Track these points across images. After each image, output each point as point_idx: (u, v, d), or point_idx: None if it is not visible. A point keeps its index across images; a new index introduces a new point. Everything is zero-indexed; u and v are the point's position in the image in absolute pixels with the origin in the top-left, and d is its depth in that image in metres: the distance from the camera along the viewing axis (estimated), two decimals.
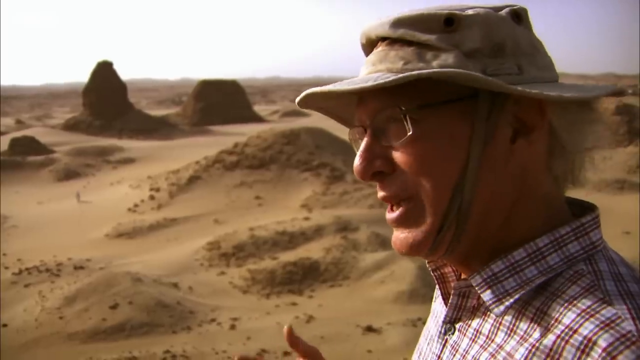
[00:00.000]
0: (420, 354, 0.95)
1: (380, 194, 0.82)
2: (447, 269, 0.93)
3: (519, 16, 0.80)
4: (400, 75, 0.73)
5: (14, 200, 44.07)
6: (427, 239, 0.79)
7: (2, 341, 19.57)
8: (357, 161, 0.80)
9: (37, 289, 24.30)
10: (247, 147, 45.15)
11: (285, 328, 1.03)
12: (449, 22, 0.76)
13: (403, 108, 0.76)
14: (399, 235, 0.81)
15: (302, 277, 24.93)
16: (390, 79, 0.73)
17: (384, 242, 28.04)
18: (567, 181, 0.82)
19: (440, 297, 0.94)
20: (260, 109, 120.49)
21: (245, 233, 30.35)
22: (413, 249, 0.80)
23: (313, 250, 27.23)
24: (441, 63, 0.75)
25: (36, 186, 50.78)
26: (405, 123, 0.76)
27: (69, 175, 54.52)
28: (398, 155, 0.78)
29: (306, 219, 31.82)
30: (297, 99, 0.84)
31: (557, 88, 0.76)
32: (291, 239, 29.29)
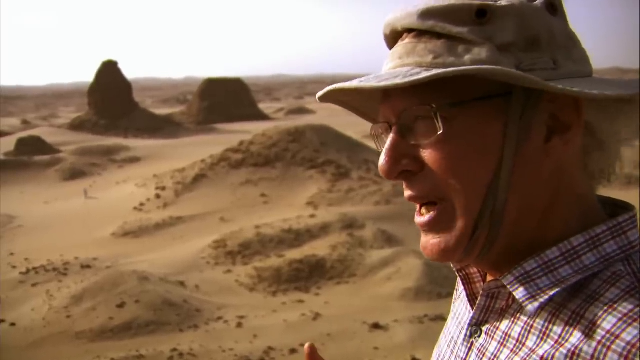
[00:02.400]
0: (441, 356, 0.91)
1: (408, 193, 0.79)
2: (473, 270, 0.89)
3: (554, 6, 0.76)
4: (433, 72, 0.70)
5: (20, 200, 44.24)
6: (460, 244, 0.76)
7: (10, 340, 19.67)
8: (382, 159, 0.77)
9: (45, 288, 24.40)
10: (252, 145, 45.16)
11: (307, 347, 0.97)
12: (481, 13, 0.73)
13: (434, 106, 0.73)
14: (430, 241, 0.78)
15: (309, 275, 24.94)
16: (422, 76, 0.70)
17: (390, 239, 28.02)
18: (603, 178, 0.79)
19: (465, 297, 0.90)
20: (265, 106, 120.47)
21: (251, 231, 30.37)
22: (446, 255, 0.77)
23: (319, 248, 27.23)
24: (474, 58, 0.72)
25: (42, 186, 50.95)
26: (435, 121, 0.73)
27: (75, 174, 54.66)
28: (427, 154, 0.75)
29: (312, 216, 31.82)
30: (320, 94, 0.81)
31: (595, 83, 0.73)
32: (297, 237, 29.30)
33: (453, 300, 1.03)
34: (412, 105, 0.75)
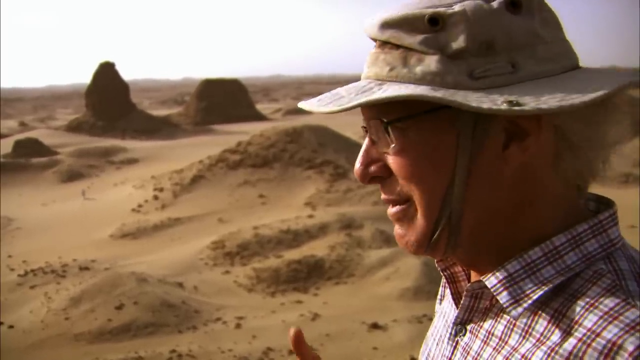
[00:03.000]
0: (429, 355, 0.92)
1: (382, 196, 0.82)
2: (457, 269, 0.90)
3: (515, 4, 0.72)
4: (359, 101, 0.72)
5: (18, 202, 44.19)
6: (419, 242, 0.78)
7: (9, 343, 19.65)
8: (356, 164, 0.80)
9: (43, 290, 24.38)
10: (250, 146, 45.16)
11: (292, 331, 0.97)
12: (433, 21, 0.72)
13: (385, 120, 0.75)
14: (397, 231, 0.81)
15: (307, 275, 24.94)
16: (348, 105, 0.73)
17: (388, 239, 28.04)
18: (584, 179, 0.77)
19: (450, 296, 0.91)
20: (262, 107, 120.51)
21: (249, 232, 30.37)
22: (408, 248, 0.80)
23: (317, 248, 27.24)
24: (424, 69, 0.72)
25: (40, 188, 50.90)
26: (387, 135, 0.75)
27: (72, 176, 54.62)
28: (390, 162, 0.77)
29: (310, 216, 31.82)
30: (299, 104, 0.84)
31: (555, 87, 0.69)
32: (295, 237, 29.30)
33: (438, 299, 1.05)
34: (371, 118, 0.78)
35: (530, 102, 0.67)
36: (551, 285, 0.72)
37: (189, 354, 18.22)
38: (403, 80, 0.73)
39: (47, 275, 26.49)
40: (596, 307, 0.68)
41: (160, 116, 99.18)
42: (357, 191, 36.98)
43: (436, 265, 0.91)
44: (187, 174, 43.60)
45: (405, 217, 0.79)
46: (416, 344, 17.73)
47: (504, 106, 0.67)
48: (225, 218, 35.24)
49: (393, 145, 0.75)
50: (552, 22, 0.75)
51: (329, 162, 41.79)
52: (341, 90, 0.78)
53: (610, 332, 0.65)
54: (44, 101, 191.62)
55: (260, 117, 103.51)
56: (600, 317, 0.67)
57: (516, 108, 0.67)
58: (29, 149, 65.65)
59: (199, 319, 21.21)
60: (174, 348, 18.59)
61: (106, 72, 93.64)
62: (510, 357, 0.73)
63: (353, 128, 66.75)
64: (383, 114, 0.75)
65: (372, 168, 0.79)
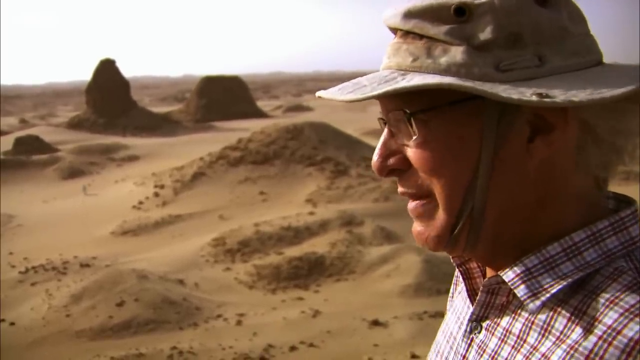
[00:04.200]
0: (439, 353, 0.91)
1: (399, 189, 0.81)
2: (473, 264, 0.89)
3: None
4: (383, 89, 0.71)
5: (19, 199, 44.20)
6: (440, 237, 0.77)
7: (10, 340, 19.66)
8: (374, 157, 0.80)
9: (44, 287, 24.39)
10: (250, 143, 45.13)
11: None
12: (460, 12, 0.71)
13: (407, 111, 0.74)
14: (417, 228, 0.80)
15: (308, 272, 24.95)
16: (374, 93, 0.71)
17: (389, 236, 28.03)
18: (607, 170, 0.77)
19: (465, 293, 0.90)
20: (263, 104, 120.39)
21: (250, 229, 30.37)
22: (428, 244, 0.79)
23: (318, 245, 27.24)
24: (449, 60, 0.71)
25: (41, 185, 50.90)
26: (409, 126, 0.74)
27: (73, 173, 54.62)
28: (411, 155, 0.76)
29: (311, 213, 31.82)
30: (318, 94, 0.83)
31: (584, 81, 0.69)
32: (296, 234, 29.31)
33: (450, 297, 1.03)
34: (392, 109, 0.77)
35: (560, 95, 0.67)
36: (570, 280, 0.71)
37: (190, 351, 18.24)
38: (427, 71, 0.72)
39: (48, 272, 26.51)
40: (617, 304, 0.67)
41: (160, 113, 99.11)
42: (357, 188, 36.97)
43: (452, 260, 0.90)
44: (188, 171, 43.59)
45: (426, 212, 0.78)
46: (417, 341, 17.74)
47: (534, 98, 0.66)
48: (226, 215, 35.25)
49: (415, 137, 0.74)
50: (577, 16, 0.75)
51: (330, 159, 41.76)
52: (362, 80, 0.77)
53: (632, 330, 0.64)
54: (45, 98, 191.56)
55: (260, 114, 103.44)
56: (621, 315, 0.66)
57: (547, 100, 0.66)
58: (30, 146, 65.63)
59: (200, 315, 21.23)
60: (175, 345, 18.61)
61: (107, 69, 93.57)
62: (530, 356, 0.72)
63: (354, 125, 66.69)
64: (405, 105, 0.74)
65: (391, 160, 0.78)
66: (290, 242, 28.67)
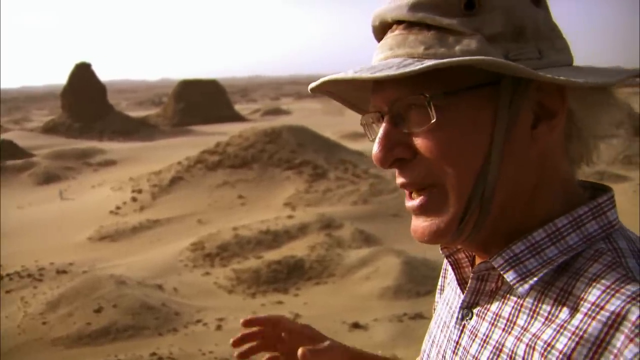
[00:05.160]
0: (434, 341, 0.94)
1: (400, 180, 0.81)
2: (461, 255, 0.92)
3: None
4: (427, 62, 0.72)
5: None
6: (450, 226, 0.78)
7: None
8: (376, 148, 0.79)
9: (19, 295, 24.04)
10: (228, 147, 45.01)
11: (242, 321, 1.04)
12: (469, 5, 0.75)
13: (427, 95, 0.75)
14: (421, 224, 0.80)
15: (287, 276, 24.92)
16: (417, 67, 0.72)
17: (368, 239, 28.11)
18: (582, 163, 0.82)
19: (454, 283, 0.93)
20: (241, 108, 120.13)
21: (229, 233, 30.26)
22: (436, 237, 0.79)
23: (297, 249, 27.23)
24: (463, 48, 0.74)
25: (16, 190, 50.20)
26: (429, 110, 0.75)
27: (49, 178, 53.98)
28: (420, 142, 0.77)
29: (290, 217, 31.80)
30: (313, 85, 0.83)
31: (578, 72, 0.75)
32: (275, 238, 29.26)
33: (438, 289, 1.07)
34: (405, 95, 0.77)
35: (572, 79, 0.72)
36: (555, 264, 0.75)
37: (170, 357, 18.10)
38: (443, 58, 0.73)
39: (23, 280, 26.13)
40: (599, 283, 0.71)
41: (137, 117, 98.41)
42: (336, 191, 37.04)
43: (441, 252, 0.92)
44: (166, 176, 43.32)
45: (434, 204, 0.78)
46: (397, 343, 17.81)
47: (563, 77, 0.71)
48: (205, 219, 35.08)
49: (433, 120, 0.75)
50: (555, 22, 0.81)
51: (308, 162, 41.80)
52: (377, 66, 0.77)
53: (613, 305, 0.68)
54: (18, 102, 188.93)
55: (238, 118, 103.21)
56: (603, 292, 0.70)
57: (573, 79, 0.71)
58: (4, 151, 64.66)
59: (179, 321, 21.09)
60: (155, 351, 18.46)
61: (82, 73, 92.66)
62: (521, 337, 0.75)
63: (332, 128, 66.81)
64: (419, 91, 0.75)
65: (396, 150, 0.78)
66: (269, 245, 28.62)
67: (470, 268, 0.90)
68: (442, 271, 1.05)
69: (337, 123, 77.19)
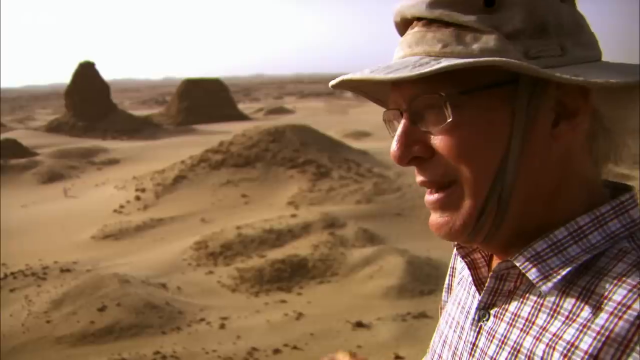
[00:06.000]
0: (445, 342, 0.93)
1: (419, 178, 0.80)
2: (477, 255, 0.91)
3: None
4: (442, 63, 0.71)
5: None
6: (466, 225, 0.78)
7: None
8: (394, 146, 0.79)
9: (23, 294, 24.09)
10: (232, 146, 45.02)
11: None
12: (489, 2, 0.74)
13: (443, 94, 0.74)
14: (438, 219, 0.80)
15: (291, 275, 24.93)
16: (429, 68, 0.71)
17: (371, 238, 28.10)
18: (608, 162, 0.81)
19: (466, 283, 0.93)
20: (244, 107, 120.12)
21: (232, 232, 30.27)
22: (452, 234, 0.79)
23: (301, 248, 27.23)
24: (482, 46, 0.73)
25: (19, 189, 50.29)
26: (445, 109, 0.75)
27: (52, 177, 54.06)
28: (437, 141, 0.76)
29: (293, 216, 31.80)
30: (333, 82, 0.82)
31: (602, 70, 0.74)
32: (279, 237, 29.26)
33: (445, 288, 1.06)
34: (421, 93, 0.77)
35: (593, 79, 0.71)
36: (578, 263, 0.74)
37: (173, 355, 18.12)
38: (459, 57, 0.73)
39: (27, 278, 26.19)
40: (624, 282, 0.70)
41: (141, 116, 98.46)
42: (339, 190, 37.02)
43: (456, 251, 0.92)
44: (169, 174, 43.35)
45: (451, 201, 0.78)
46: (401, 342, 17.80)
47: (581, 78, 0.70)
48: (208, 218, 35.10)
49: (449, 120, 0.74)
50: (582, 15, 0.80)
51: (312, 161, 41.79)
52: (393, 65, 0.76)
53: None
54: (22, 101, 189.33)
55: (242, 117, 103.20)
56: (630, 291, 0.69)
57: (593, 79, 0.70)
58: (8, 150, 64.78)
59: (183, 319, 21.11)
60: (158, 349, 18.48)
61: (86, 72, 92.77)
62: (540, 337, 0.74)
63: (335, 127, 66.76)
64: (436, 90, 0.75)
65: (415, 148, 0.78)
66: (272, 244, 28.62)
67: (487, 269, 0.90)
68: (450, 269, 1.04)
69: (340, 122, 77.14)
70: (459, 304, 0.94)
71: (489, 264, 0.90)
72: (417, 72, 0.71)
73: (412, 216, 31.60)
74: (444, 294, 1.06)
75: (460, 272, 1.00)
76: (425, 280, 21.77)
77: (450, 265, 1.05)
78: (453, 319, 0.93)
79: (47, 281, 25.50)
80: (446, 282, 1.06)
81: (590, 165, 0.79)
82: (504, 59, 0.71)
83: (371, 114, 74.88)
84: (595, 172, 0.80)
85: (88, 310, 21.40)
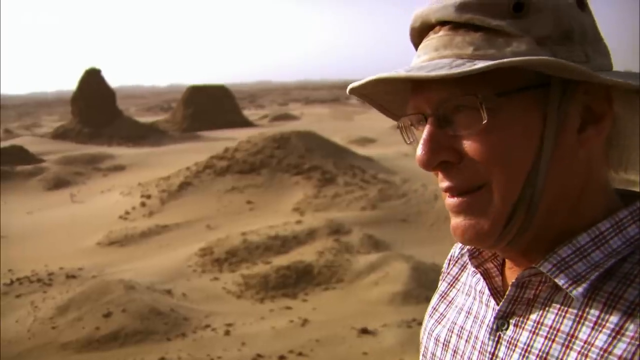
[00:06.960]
0: (456, 352, 0.91)
1: (445, 184, 0.79)
2: (490, 265, 0.90)
3: (582, 2, 0.79)
4: (484, 63, 0.71)
5: (3, 211, 43.72)
6: (494, 228, 0.77)
7: None
8: (420, 151, 0.77)
9: (29, 299, 24.13)
10: (237, 152, 45.07)
11: None
12: (518, 7, 0.75)
13: (479, 96, 0.74)
14: (463, 223, 0.78)
15: (296, 281, 24.90)
16: (477, 66, 0.70)
17: (376, 244, 28.05)
18: (620, 168, 0.82)
19: (475, 292, 0.91)
20: (249, 113, 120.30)
21: (237, 238, 30.27)
22: (479, 239, 0.78)
23: (306, 254, 27.19)
24: (514, 50, 0.73)
25: (26, 196, 50.46)
26: (481, 111, 0.74)
27: (58, 184, 54.21)
28: (469, 145, 0.75)
29: (298, 222, 31.78)
30: (355, 84, 0.81)
31: (620, 76, 0.74)
32: (284, 243, 29.25)
33: (440, 293, 1.03)
34: (454, 96, 0.76)
35: (629, 82, 0.72)
36: (603, 268, 0.75)
37: None
38: (492, 59, 0.73)
39: (33, 284, 26.24)
40: None
41: (146, 123, 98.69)
42: (345, 196, 36.99)
43: (470, 262, 0.90)
44: (175, 181, 43.41)
45: (478, 205, 0.77)
46: (406, 349, 17.73)
47: (622, 80, 0.71)
48: (213, 224, 35.12)
49: (484, 122, 0.74)
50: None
51: (317, 167, 41.79)
52: (426, 66, 0.75)
53: None
54: (29, 108, 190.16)
55: (247, 123, 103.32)
56: None
57: (631, 82, 0.72)
58: (14, 156, 65.04)
59: (188, 326, 21.09)
60: (163, 356, 18.47)
61: (92, 79, 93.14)
62: (569, 344, 0.74)
63: (340, 134, 66.76)
64: (473, 91, 0.74)
65: (443, 153, 0.77)
66: (277, 251, 28.60)
67: (500, 277, 0.89)
68: (443, 275, 1.02)
69: (345, 128, 77.16)
70: (467, 312, 0.92)
71: (501, 273, 0.89)
72: (459, 71, 0.71)
73: (417, 222, 31.55)
74: (434, 299, 1.03)
75: (456, 279, 0.99)
76: (430, 287, 21.69)
77: (443, 271, 1.03)
78: (462, 328, 0.91)
79: (52, 287, 25.54)
80: (441, 288, 1.03)
81: (607, 171, 0.80)
82: (554, 58, 0.71)
83: (376, 120, 74.89)
84: (609, 177, 0.81)
85: (93, 316, 21.42)
